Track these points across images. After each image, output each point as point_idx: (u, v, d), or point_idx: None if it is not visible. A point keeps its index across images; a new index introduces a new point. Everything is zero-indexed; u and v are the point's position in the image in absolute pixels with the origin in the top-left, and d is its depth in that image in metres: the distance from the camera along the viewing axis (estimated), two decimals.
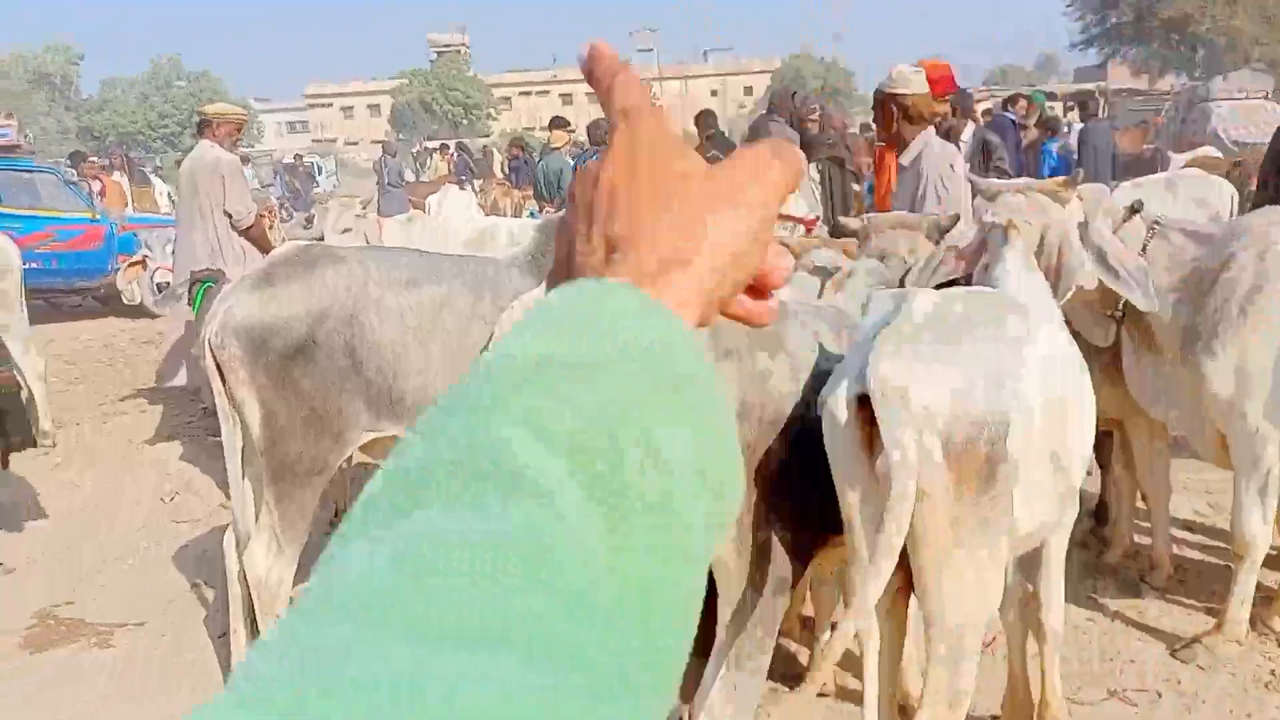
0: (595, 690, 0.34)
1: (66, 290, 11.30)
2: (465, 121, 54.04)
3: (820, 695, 3.11)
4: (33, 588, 4.37)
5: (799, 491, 2.15)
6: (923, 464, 1.81)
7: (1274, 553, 3.32)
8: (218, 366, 2.98)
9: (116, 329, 10.70)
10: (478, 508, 0.37)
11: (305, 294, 2.97)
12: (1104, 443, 3.84)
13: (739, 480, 0.46)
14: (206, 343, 2.99)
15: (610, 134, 0.53)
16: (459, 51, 63.97)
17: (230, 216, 5.80)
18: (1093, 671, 3.25)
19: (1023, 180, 3.10)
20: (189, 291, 5.53)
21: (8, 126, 11.02)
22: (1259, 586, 3.29)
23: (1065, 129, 11.77)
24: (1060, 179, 2.97)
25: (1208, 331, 3.04)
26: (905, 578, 2.02)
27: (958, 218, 3.12)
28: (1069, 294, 2.82)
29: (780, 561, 2.15)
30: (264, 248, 5.86)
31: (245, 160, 13.46)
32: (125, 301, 9.91)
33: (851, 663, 3.36)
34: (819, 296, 3.18)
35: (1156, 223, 3.26)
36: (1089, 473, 3.00)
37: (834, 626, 3.36)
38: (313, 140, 56.45)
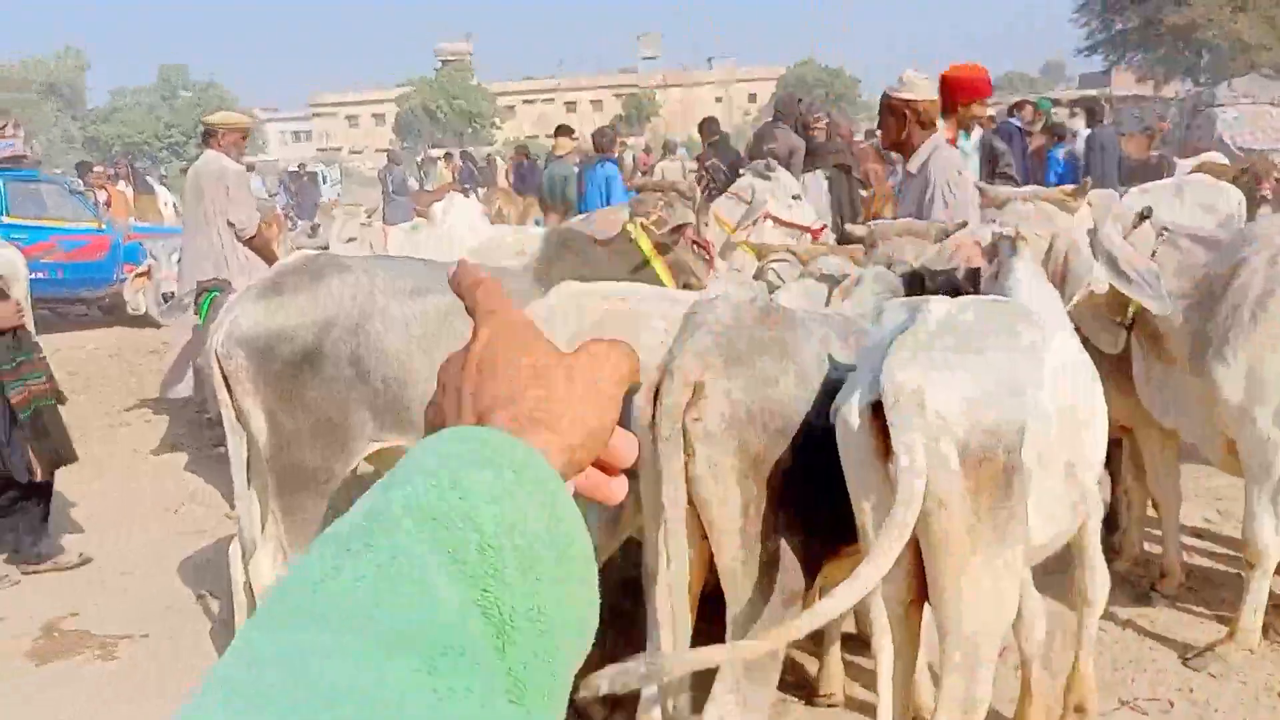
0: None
1: (71, 300, 11.33)
2: (469, 130, 54.14)
3: (830, 705, 3.09)
4: (37, 599, 4.36)
5: (808, 500, 2.13)
6: (939, 471, 1.80)
7: None
8: (224, 376, 2.97)
9: (121, 339, 10.71)
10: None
11: (312, 303, 2.96)
12: (1113, 451, 3.82)
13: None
14: (213, 353, 2.98)
15: (475, 329, 0.61)
16: (464, 60, 64.15)
17: (233, 226, 5.80)
18: (1105, 680, 3.22)
19: (1030, 188, 3.09)
20: (195, 301, 5.53)
21: (14, 137, 11.05)
22: (1271, 594, 3.26)
23: (1071, 135, 11.75)
24: (1069, 188, 2.96)
25: (1218, 338, 3.02)
26: (919, 587, 2.00)
27: (965, 224, 3.11)
28: (1075, 300, 2.81)
29: (789, 572, 2.13)
30: (267, 257, 5.87)
31: (251, 169, 13.49)
32: (130, 311, 9.93)
33: (861, 673, 3.35)
34: (826, 304, 3.16)
35: (1166, 229, 3.24)
36: (1098, 481, 2.99)
37: (844, 639, 3.35)
38: (317, 149, 56.59)
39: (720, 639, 2.23)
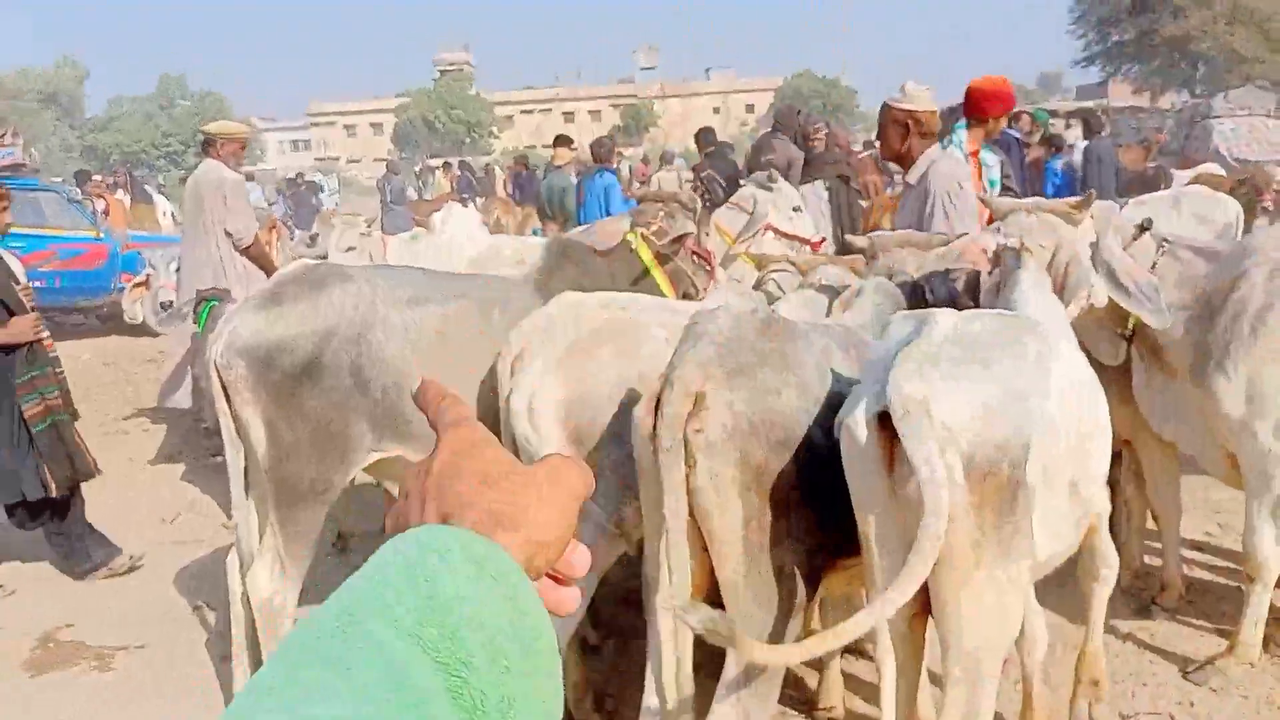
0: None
1: (69, 309, 11.31)
2: (468, 140, 54.24)
3: (830, 719, 3.08)
4: (33, 610, 4.34)
5: (809, 512, 2.13)
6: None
7: None
8: (223, 386, 2.96)
9: (118, 348, 10.70)
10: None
11: (312, 313, 2.95)
12: (1113, 463, 3.81)
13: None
14: (212, 363, 2.97)
15: (438, 440, 0.64)
16: (462, 70, 64.31)
17: (230, 236, 5.80)
18: (1108, 693, 3.21)
19: (1033, 200, 3.10)
20: (194, 310, 5.52)
21: (13, 145, 11.04)
22: (1271, 608, 3.26)
23: (1068, 146, 11.78)
24: (1073, 200, 2.97)
25: (1218, 350, 3.02)
26: (923, 601, 1.99)
27: (965, 235, 3.11)
28: (1074, 312, 2.81)
29: (791, 583, 2.12)
30: (265, 267, 5.87)
31: (250, 178, 13.48)
32: (127, 320, 9.92)
33: (860, 686, 3.33)
34: (826, 314, 3.16)
35: (1166, 240, 3.25)
36: None
37: (844, 651, 3.34)
38: (315, 158, 56.67)
39: (720, 652, 2.22)
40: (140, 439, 7.05)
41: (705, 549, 2.15)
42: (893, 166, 6.25)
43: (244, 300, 3.18)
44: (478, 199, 16.73)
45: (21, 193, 11.01)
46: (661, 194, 4.06)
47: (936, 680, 2.38)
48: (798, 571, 2.13)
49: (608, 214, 7.67)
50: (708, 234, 4.01)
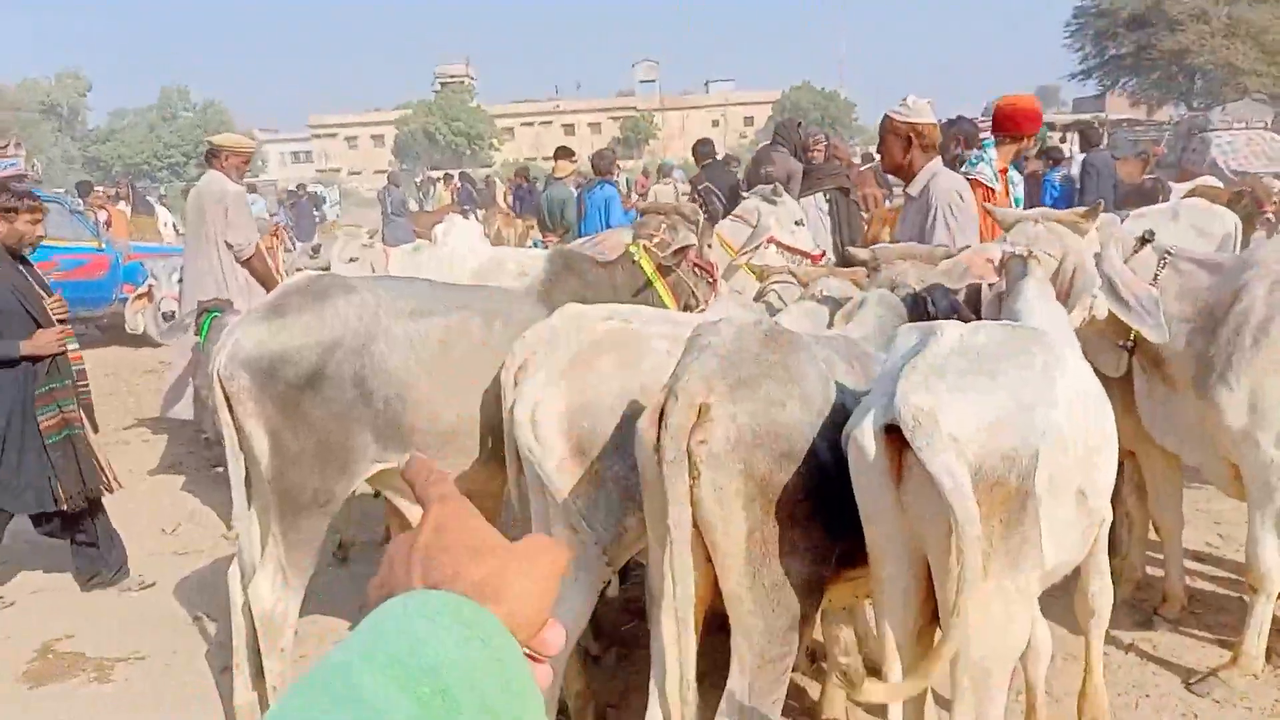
0: None
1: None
2: (468, 152, 54.40)
3: None
4: (32, 621, 4.33)
5: (813, 524, 2.13)
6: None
7: None
8: (226, 397, 2.96)
9: (119, 358, 10.70)
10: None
11: (317, 324, 2.96)
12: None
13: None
14: (215, 374, 2.97)
15: (424, 513, 0.66)
16: (463, 82, 64.53)
17: (231, 248, 5.82)
18: (1111, 704, 3.20)
19: (1040, 210, 3.11)
20: (195, 321, 5.53)
21: (16, 156, 11.08)
22: (1274, 619, 3.26)
23: (1066, 159, 11.83)
24: (1080, 210, 2.98)
25: (1220, 362, 3.03)
26: (930, 612, 1.99)
27: (968, 249, 3.12)
28: (1077, 318, 2.82)
29: (795, 595, 2.12)
30: (263, 278, 5.88)
31: (252, 190, 13.51)
32: (129, 330, 9.91)
33: None
34: (828, 326, 3.17)
35: (1168, 252, 3.26)
36: None
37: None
38: (316, 170, 56.79)
39: (724, 661, 2.22)
40: (141, 449, 7.05)
41: (709, 560, 2.15)
42: (892, 179, 6.27)
43: (248, 311, 3.18)
44: (478, 211, 16.75)
45: None
46: (664, 206, 4.07)
47: (944, 704, 2.37)
48: (801, 583, 2.13)
49: (608, 226, 7.69)
50: (710, 246, 4.02)
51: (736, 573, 2.09)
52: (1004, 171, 4.48)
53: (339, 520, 4.25)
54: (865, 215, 7.74)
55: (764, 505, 2.07)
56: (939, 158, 3.97)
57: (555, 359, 2.67)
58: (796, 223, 5.07)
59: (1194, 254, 3.37)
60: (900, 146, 3.89)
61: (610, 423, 2.60)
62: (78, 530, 4.53)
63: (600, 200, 8.48)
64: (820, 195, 6.95)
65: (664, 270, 3.78)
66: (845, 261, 4.43)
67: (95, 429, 4.59)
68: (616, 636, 3.84)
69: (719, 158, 9.66)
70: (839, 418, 2.16)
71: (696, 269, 3.87)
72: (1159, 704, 3.24)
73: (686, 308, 3.82)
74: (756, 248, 4.64)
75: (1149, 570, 4.04)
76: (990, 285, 3.08)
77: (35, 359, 4.28)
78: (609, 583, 3.23)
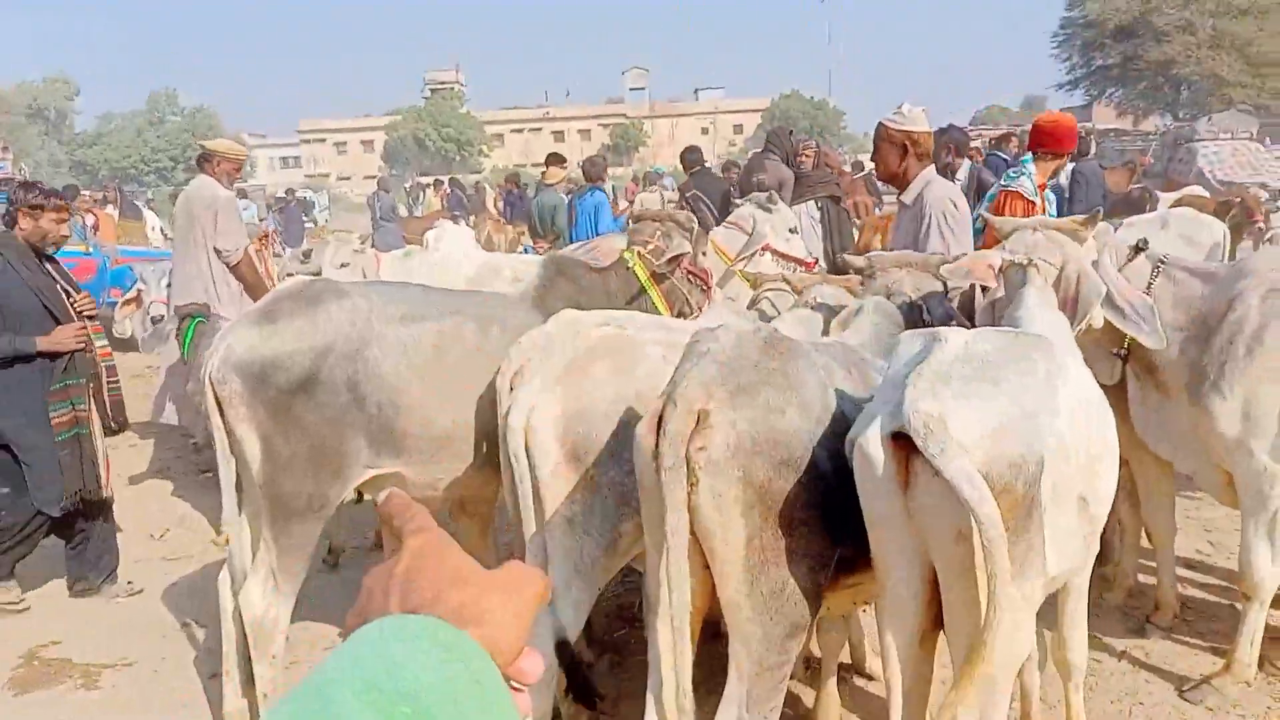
0: None
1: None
2: (458, 158, 54.36)
3: None
4: (18, 627, 4.28)
5: (811, 531, 2.12)
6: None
7: None
8: (217, 402, 2.94)
9: None
10: None
11: (309, 329, 2.94)
12: None
13: None
14: (207, 378, 2.95)
15: (403, 544, 0.66)
16: (453, 89, 64.53)
17: (220, 253, 5.80)
18: (1102, 713, 3.22)
19: (1038, 218, 3.12)
20: (178, 327, 5.50)
21: (3, 160, 11.01)
22: (1266, 627, 3.27)
23: None
24: (1079, 218, 2.99)
25: (1215, 370, 3.04)
26: (934, 617, 1.99)
27: (965, 255, 3.13)
28: (1081, 325, 2.83)
29: (793, 602, 2.12)
30: (252, 284, 5.85)
31: (243, 195, 13.46)
32: (117, 335, 9.83)
33: (858, 704, 3.32)
34: (823, 333, 3.17)
35: (1162, 261, 3.27)
36: None
37: (846, 668, 3.33)
38: (305, 175, 56.66)
39: (721, 669, 2.21)
40: (129, 454, 6.99)
41: (706, 567, 2.14)
42: (882, 187, 6.30)
43: (240, 316, 3.16)
44: (468, 216, 16.73)
45: None
46: (659, 213, 4.07)
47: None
48: (800, 590, 2.12)
49: (597, 233, 7.69)
50: (704, 254, 4.02)
51: (735, 580, 2.08)
52: (1043, 186, 4.55)
53: (329, 526, 4.22)
54: (856, 223, 7.76)
55: (763, 512, 2.07)
56: (933, 166, 3.99)
57: (551, 365, 2.66)
58: (791, 230, 5.08)
59: (1188, 263, 3.39)
60: (896, 154, 3.91)
61: (605, 429, 2.59)
62: (73, 532, 4.49)
63: (590, 206, 8.49)
64: (811, 203, 6.97)
65: (658, 277, 3.78)
66: (838, 269, 4.44)
67: (127, 424, 4.56)
68: (609, 643, 3.82)
69: (706, 165, 9.67)
70: (838, 425, 2.15)
71: (691, 276, 3.87)
72: (1152, 712, 3.24)
73: (680, 315, 3.81)
74: (752, 255, 4.65)
75: (1141, 578, 4.05)
76: (984, 292, 3.09)
77: (53, 355, 4.25)
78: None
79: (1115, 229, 3.72)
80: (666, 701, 2.18)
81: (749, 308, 4.21)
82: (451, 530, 3.50)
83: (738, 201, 5.47)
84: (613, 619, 4.04)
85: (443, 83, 65.40)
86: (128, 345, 10.62)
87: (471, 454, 3.15)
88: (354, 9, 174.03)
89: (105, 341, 4.49)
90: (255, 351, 2.91)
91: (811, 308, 3.50)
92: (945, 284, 3.08)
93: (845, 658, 3.44)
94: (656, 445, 2.07)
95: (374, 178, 18.24)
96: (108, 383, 4.42)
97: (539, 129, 64.48)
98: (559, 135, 61.40)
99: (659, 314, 3.65)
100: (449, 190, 21.18)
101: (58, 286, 4.38)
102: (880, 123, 3.97)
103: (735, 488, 2.05)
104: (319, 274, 5.82)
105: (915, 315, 2.97)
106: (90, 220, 12.90)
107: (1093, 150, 14.48)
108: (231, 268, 5.85)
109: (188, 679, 3.76)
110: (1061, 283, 2.83)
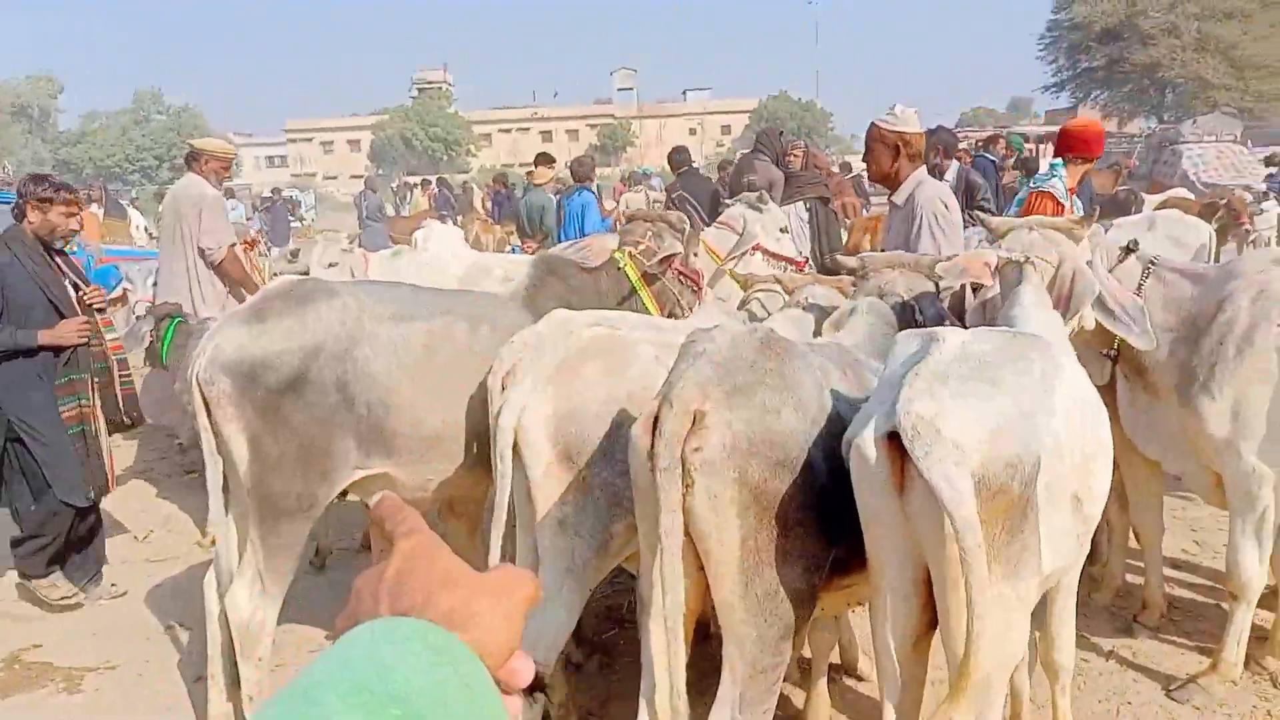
0: None
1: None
2: (445, 157, 54.22)
3: None
4: None
5: (806, 532, 2.11)
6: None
7: (1266, 591, 3.31)
8: (205, 402, 2.91)
9: None
10: None
11: (298, 328, 2.91)
12: None
13: None
14: (195, 378, 2.92)
15: (394, 547, 0.66)
16: (440, 88, 64.37)
17: (202, 252, 5.76)
18: (1089, 713, 3.23)
19: (1034, 218, 3.13)
20: (157, 327, 5.45)
21: None
22: (1253, 626, 3.28)
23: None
24: (1074, 217, 3.00)
25: (1204, 371, 3.05)
26: (928, 619, 1.98)
27: (956, 256, 3.13)
28: (1075, 323, 2.83)
29: (787, 604, 2.11)
30: (237, 280, 5.81)
31: (230, 195, 13.38)
32: None
33: (848, 705, 3.32)
34: (815, 334, 3.17)
35: (1152, 262, 3.29)
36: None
37: (836, 669, 3.32)
38: (292, 174, 56.40)
39: (712, 670, 2.20)
40: (114, 454, 6.93)
41: (700, 568, 2.13)
42: (871, 188, 6.32)
43: (228, 315, 3.13)
44: (456, 216, 16.68)
45: None
46: (650, 214, 4.06)
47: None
48: (795, 592, 2.11)
49: (583, 233, 7.68)
50: (695, 254, 4.01)
51: (729, 581, 2.07)
52: (1073, 190, 4.65)
53: (316, 527, 4.20)
54: (845, 223, 7.78)
55: (758, 513, 2.06)
56: (924, 167, 4.00)
57: (542, 365, 2.65)
58: (781, 229, 5.08)
59: (1177, 264, 3.40)
60: (888, 155, 3.91)
61: (597, 429, 2.58)
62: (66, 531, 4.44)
63: (578, 207, 8.49)
64: (800, 204, 6.98)
65: (649, 278, 3.77)
66: (826, 269, 4.43)
67: (142, 419, 4.53)
68: (599, 644, 3.81)
69: (694, 165, 9.66)
70: (834, 426, 2.15)
71: (682, 277, 3.86)
72: (1139, 711, 3.25)
73: (671, 315, 3.80)
74: (743, 254, 4.64)
75: (1128, 578, 4.06)
76: (976, 292, 3.09)
77: (56, 349, 4.20)
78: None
79: (1105, 230, 3.73)
80: (660, 703, 2.17)
81: (739, 308, 4.20)
82: (440, 531, 3.48)
83: (728, 201, 5.47)
84: (602, 619, 4.03)
85: (430, 82, 65.22)
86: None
87: (462, 454, 3.13)
88: (341, 8, 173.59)
89: (117, 335, 4.45)
90: (244, 351, 2.89)
91: (803, 308, 3.49)
92: (937, 284, 3.09)
93: (835, 659, 3.44)
94: (652, 446, 2.06)
95: (361, 177, 18.18)
96: (119, 376, 4.38)
97: (527, 129, 64.37)
98: (547, 135, 61.30)
99: (650, 314, 3.64)
100: (436, 190, 21.11)
101: (65, 280, 4.32)
102: (873, 123, 3.97)
103: (731, 488, 2.04)
104: (306, 273, 5.79)
105: (908, 316, 2.96)
106: None
107: None
108: (215, 267, 5.81)
109: (172, 682, 3.73)
110: (1056, 281, 2.83)
